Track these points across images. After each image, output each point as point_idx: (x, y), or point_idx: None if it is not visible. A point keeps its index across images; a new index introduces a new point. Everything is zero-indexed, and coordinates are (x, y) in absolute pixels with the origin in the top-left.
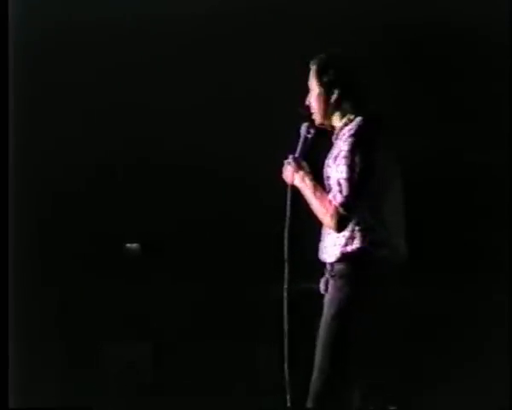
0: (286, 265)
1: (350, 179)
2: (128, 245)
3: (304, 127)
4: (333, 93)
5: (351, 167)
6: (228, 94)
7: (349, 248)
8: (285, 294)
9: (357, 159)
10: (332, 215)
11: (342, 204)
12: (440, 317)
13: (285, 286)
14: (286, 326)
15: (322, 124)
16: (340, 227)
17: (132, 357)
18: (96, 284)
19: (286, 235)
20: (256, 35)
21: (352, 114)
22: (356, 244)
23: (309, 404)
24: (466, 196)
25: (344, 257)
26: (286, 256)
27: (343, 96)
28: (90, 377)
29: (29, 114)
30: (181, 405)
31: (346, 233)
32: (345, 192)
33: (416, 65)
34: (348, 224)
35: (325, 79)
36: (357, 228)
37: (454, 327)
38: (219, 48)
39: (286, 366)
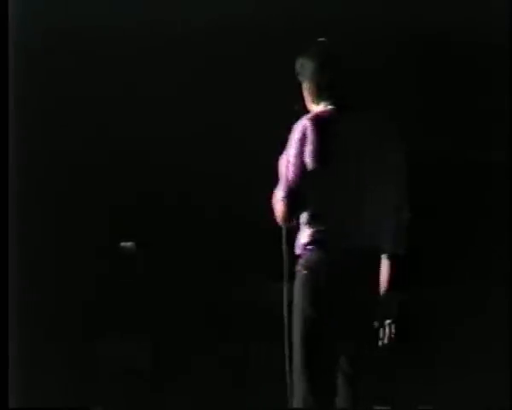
0: (285, 263)
1: (286, 173)
2: (123, 244)
3: None
4: (303, 84)
5: (286, 160)
6: (223, 93)
7: (298, 241)
8: (284, 292)
9: (292, 151)
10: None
11: (281, 198)
12: (440, 316)
13: (284, 284)
14: (286, 325)
15: None
16: (281, 220)
17: (130, 356)
18: (94, 284)
19: (284, 233)
20: (256, 39)
21: (326, 104)
22: (302, 238)
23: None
24: (466, 195)
25: (298, 250)
26: (284, 254)
27: (312, 88)
28: (91, 376)
29: (29, 113)
30: (178, 404)
31: (299, 226)
32: (281, 185)
33: (416, 64)
34: (290, 216)
35: (297, 71)
36: (303, 220)
37: (454, 327)
38: (218, 51)
39: (287, 366)
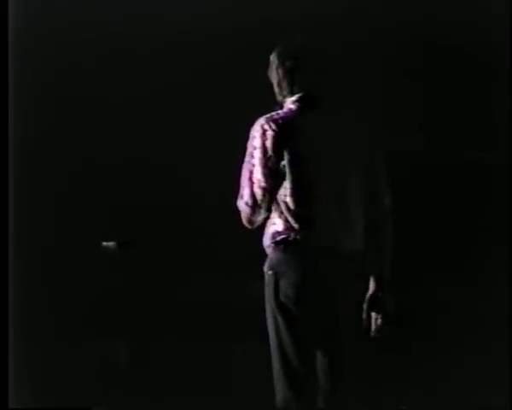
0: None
1: (249, 177)
2: (105, 243)
3: None
4: (272, 80)
5: (248, 164)
6: (216, 96)
7: (264, 242)
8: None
9: (253, 154)
10: None
11: (245, 202)
12: (440, 317)
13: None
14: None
15: None
16: (246, 224)
17: (118, 356)
18: (84, 284)
19: None
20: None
21: (291, 102)
22: (268, 238)
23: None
24: (465, 196)
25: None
26: None
27: (277, 84)
28: (91, 376)
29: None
30: (164, 404)
31: (264, 226)
32: (244, 189)
33: (415, 63)
34: (255, 220)
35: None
36: (269, 221)
37: (454, 327)
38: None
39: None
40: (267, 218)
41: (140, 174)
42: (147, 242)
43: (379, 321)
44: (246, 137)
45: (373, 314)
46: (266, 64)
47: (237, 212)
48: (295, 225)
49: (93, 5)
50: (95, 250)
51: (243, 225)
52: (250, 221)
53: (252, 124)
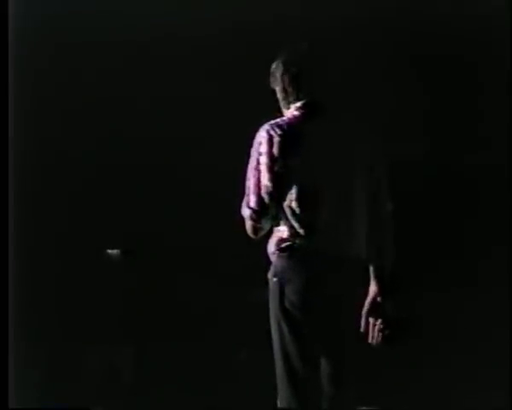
0: None
1: (254, 183)
2: (109, 251)
3: None
4: (275, 89)
5: (254, 171)
6: (218, 96)
7: (269, 249)
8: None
9: (260, 160)
10: None
11: (252, 210)
12: (440, 317)
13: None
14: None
15: None
16: (251, 233)
17: (122, 361)
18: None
19: None
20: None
21: (295, 108)
22: (272, 244)
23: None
24: (465, 198)
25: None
26: None
27: (281, 92)
28: (90, 377)
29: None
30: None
31: (269, 233)
32: (249, 197)
33: (415, 65)
34: (261, 228)
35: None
36: (274, 228)
37: (454, 327)
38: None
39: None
40: (271, 226)
41: (141, 178)
42: (150, 247)
43: (377, 327)
44: (249, 144)
45: (371, 320)
46: (269, 69)
47: (241, 219)
48: (300, 231)
49: (93, 5)
50: (97, 253)
51: (247, 234)
52: (255, 229)
53: (254, 131)
